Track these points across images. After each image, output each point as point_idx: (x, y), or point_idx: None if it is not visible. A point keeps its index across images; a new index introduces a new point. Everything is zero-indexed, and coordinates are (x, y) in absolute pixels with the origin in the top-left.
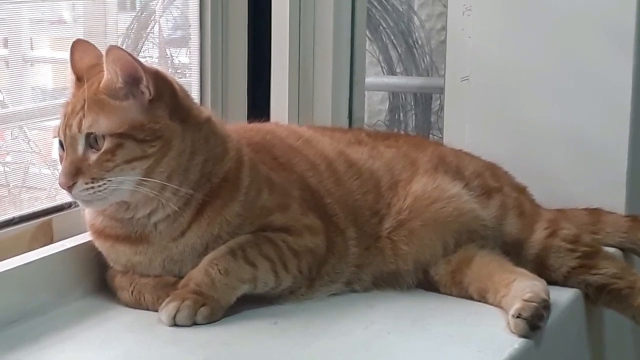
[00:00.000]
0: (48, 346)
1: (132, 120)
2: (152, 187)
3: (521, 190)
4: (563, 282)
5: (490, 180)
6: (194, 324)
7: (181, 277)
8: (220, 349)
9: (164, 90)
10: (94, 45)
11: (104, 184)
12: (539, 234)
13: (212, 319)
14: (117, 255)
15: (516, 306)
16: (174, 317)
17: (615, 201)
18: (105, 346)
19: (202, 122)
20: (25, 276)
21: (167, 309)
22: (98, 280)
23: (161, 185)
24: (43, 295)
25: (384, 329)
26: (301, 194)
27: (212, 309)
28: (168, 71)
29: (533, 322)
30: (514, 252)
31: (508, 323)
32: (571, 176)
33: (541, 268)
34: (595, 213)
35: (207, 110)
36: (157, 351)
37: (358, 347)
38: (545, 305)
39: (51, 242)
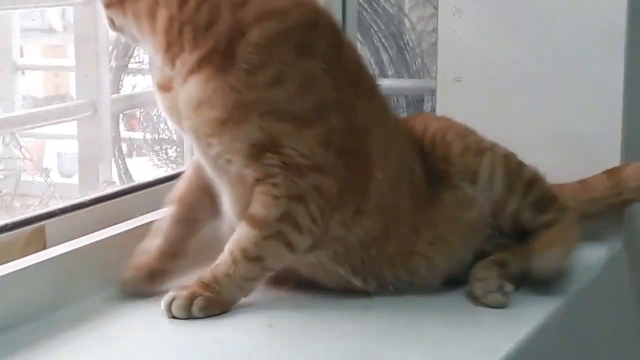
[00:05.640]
0: (43, 352)
1: None
2: None
3: None
4: None
5: None
6: (191, 317)
7: None
8: (214, 351)
9: None
10: None
11: None
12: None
13: (208, 311)
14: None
15: None
16: (170, 303)
17: None
18: (101, 351)
19: None
20: (19, 282)
21: (165, 298)
22: (92, 285)
23: None
24: (38, 301)
25: (380, 332)
26: (346, 135)
27: (209, 300)
28: None
29: None
30: None
31: None
32: (563, 177)
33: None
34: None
35: None
36: (150, 354)
37: (354, 350)
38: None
39: (44, 248)
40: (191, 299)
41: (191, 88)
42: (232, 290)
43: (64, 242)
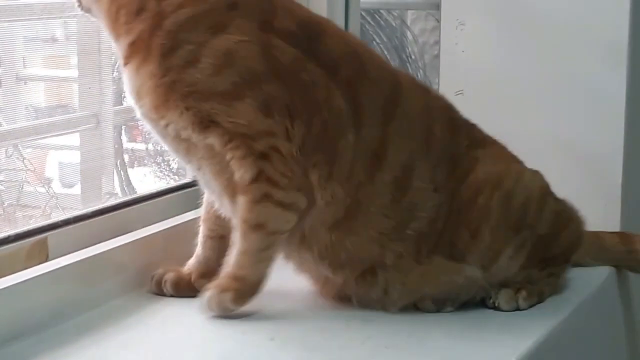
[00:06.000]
0: None
1: None
2: None
3: None
4: None
5: None
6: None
7: None
8: None
9: None
10: None
11: None
12: None
13: (241, 301)
14: None
15: None
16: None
17: (610, 215)
18: None
19: None
20: (22, 294)
21: (202, 298)
22: (95, 297)
23: None
24: (40, 313)
25: (381, 343)
26: (301, 102)
27: (236, 291)
28: None
29: None
30: None
31: None
32: (566, 189)
33: None
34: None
35: None
36: None
37: None
38: None
39: (47, 259)
40: (220, 292)
41: (127, 79)
42: (254, 267)
43: (67, 254)
